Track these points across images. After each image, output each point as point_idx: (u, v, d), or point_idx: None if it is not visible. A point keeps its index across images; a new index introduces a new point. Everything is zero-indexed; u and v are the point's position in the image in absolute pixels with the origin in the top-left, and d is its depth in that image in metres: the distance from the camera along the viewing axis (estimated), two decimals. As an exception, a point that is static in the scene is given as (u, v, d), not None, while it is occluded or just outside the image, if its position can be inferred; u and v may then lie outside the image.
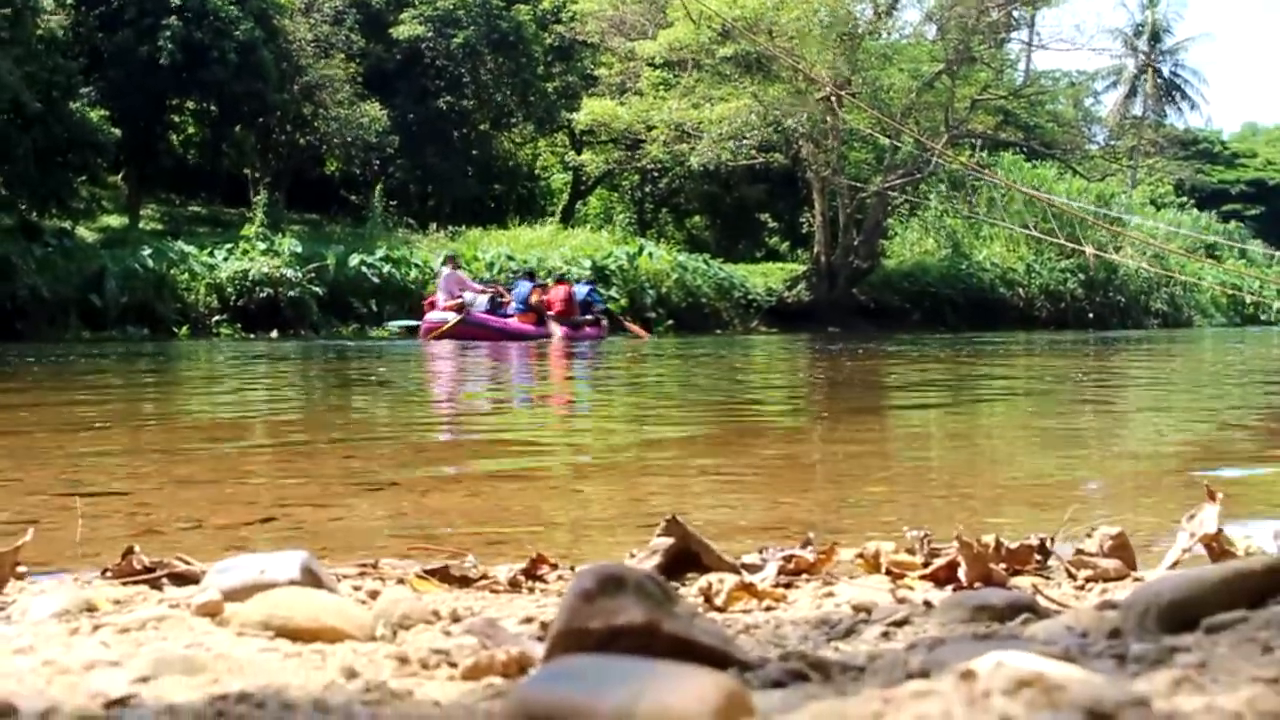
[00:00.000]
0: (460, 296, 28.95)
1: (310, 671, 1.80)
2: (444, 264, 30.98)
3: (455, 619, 2.20)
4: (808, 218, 49.86)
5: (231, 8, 39.66)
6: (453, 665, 1.80)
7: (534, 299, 29.81)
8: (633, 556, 2.87)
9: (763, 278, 44.06)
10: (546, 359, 20.34)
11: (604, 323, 31.85)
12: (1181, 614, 1.62)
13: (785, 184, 50.52)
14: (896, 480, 5.66)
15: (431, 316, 28.72)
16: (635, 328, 33.07)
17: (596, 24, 47.21)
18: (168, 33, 38.41)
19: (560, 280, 32.24)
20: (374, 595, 2.57)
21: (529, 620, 2.28)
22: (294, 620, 2.06)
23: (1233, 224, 73.99)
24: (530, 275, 31.76)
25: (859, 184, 45.45)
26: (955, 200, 50.78)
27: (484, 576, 2.87)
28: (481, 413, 10.30)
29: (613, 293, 37.41)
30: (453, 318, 28.12)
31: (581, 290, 31.92)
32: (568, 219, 51.94)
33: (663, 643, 1.43)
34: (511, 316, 29.44)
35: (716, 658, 1.46)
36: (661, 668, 1.09)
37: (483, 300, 29.33)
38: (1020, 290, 49.24)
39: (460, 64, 48.66)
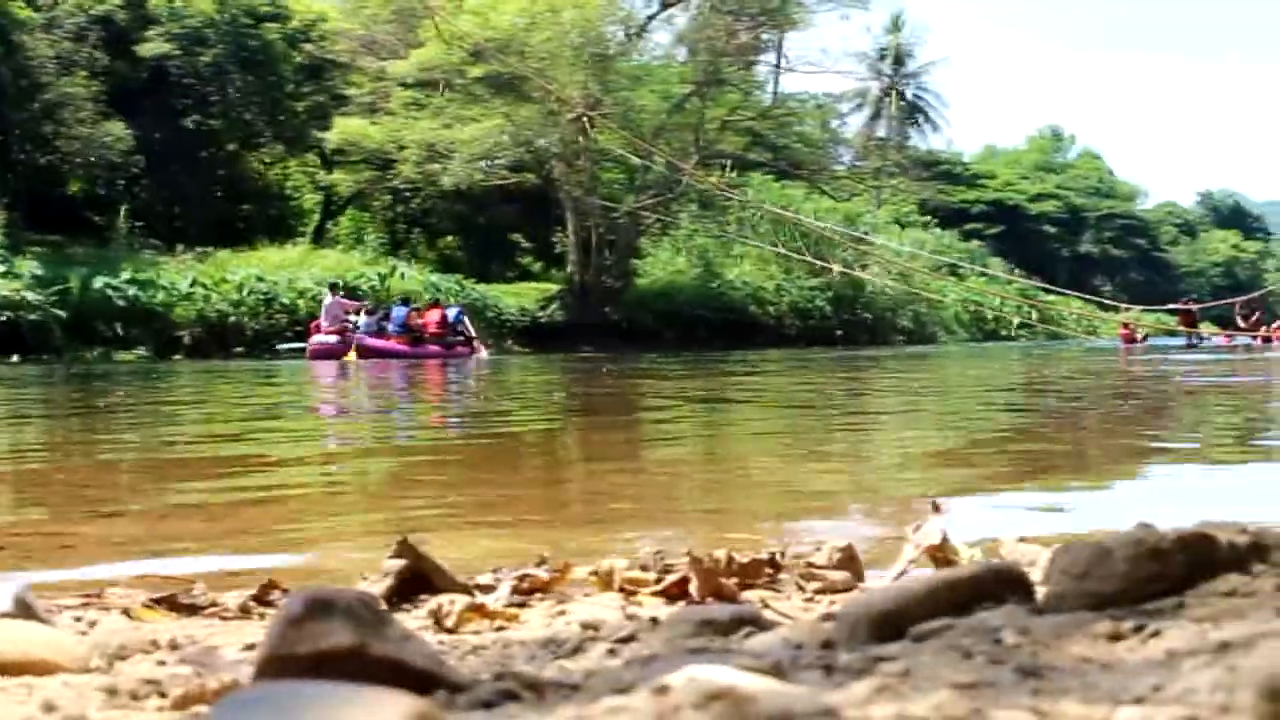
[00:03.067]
0: (344, 321, 31.68)
1: (13, 706, 1.73)
2: (328, 291, 33.11)
3: (174, 648, 2.15)
4: (560, 238, 50.05)
5: (-35, 23, 38.45)
6: (163, 695, 1.75)
7: (412, 321, 32.98)
8: (365, 579, 2.84)
9: (516, 298, 44.09)
10: (353, 375, 20.08)
11: (476, 342, 34.50)
12: (891, 623, 1.64)
13: (538, 204, 50.59)
14: (641, 497, 5.69)
15: (316, 339, 31.26)
16: (482, 349, 34.93)
17: (347, 43, 46.85)
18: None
19: (434, 304, 35.43)
20: (95, 625, 2.50)
21: (251, 647, 2.23)
22: (1, 654, 1.98)
23: (974, 243, 76.35)
24: (405, 301, 34.89)
25: (611, 204, 45.76)
26: (706, 220, 51.37)
27: (213, 604, 2.81)
28: (232, 436, 10.09)
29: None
30: (334, 340, 30.93)
31: (452, 313, 34.77)
32: (319, 240, 51.25)
33: (372, 666, 1.41)
34: (390, 338, 32.26)
35: (427, 679, 1.44)
36: (354, 692, 1.07)
37: (368, 321, 32.29)
38: (770, 308, 49.90)
39: (208, 82, 47.75)
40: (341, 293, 33.53)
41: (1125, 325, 45.76)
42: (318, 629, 1.42)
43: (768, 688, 1.11)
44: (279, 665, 1.43)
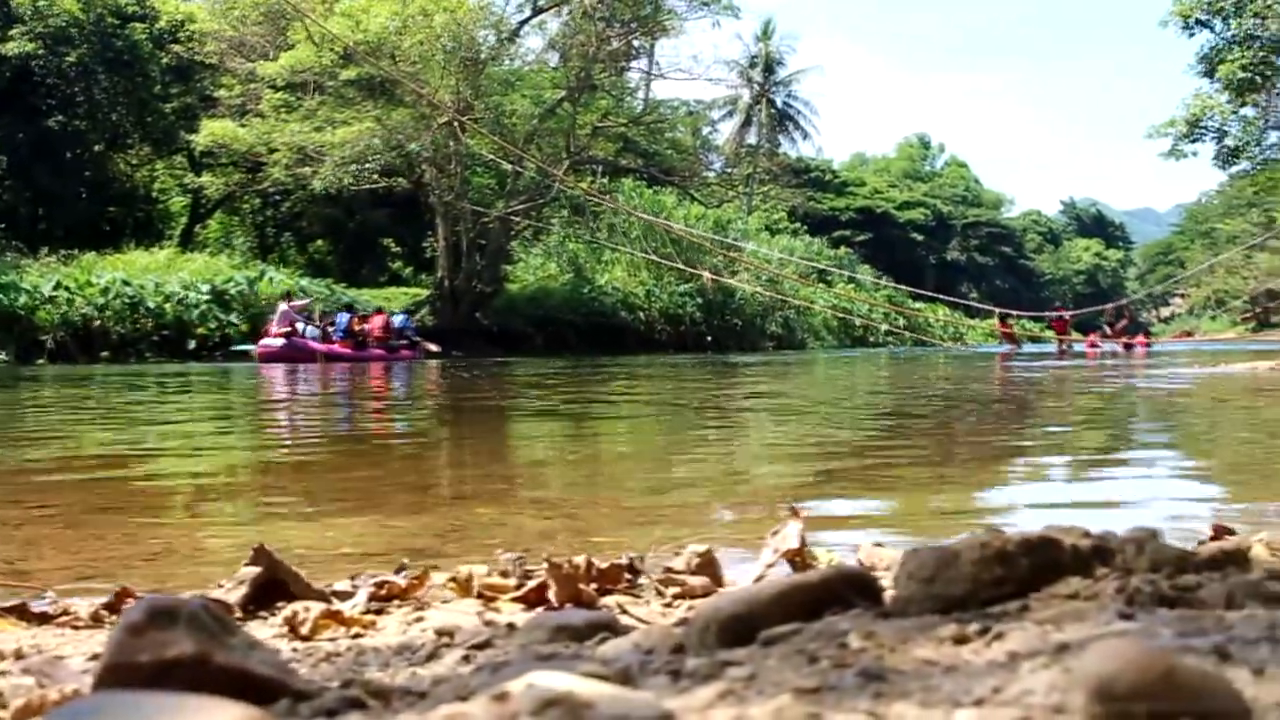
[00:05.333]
0: (289, 326, 33.32)
1: None
2: (281, 299, 35.17)
3: (19, 657, 2.12)
4: (431, 242, 49.82)
5: None
6: (3, 707, 1.72)
7: (355, 327, 35.37)
8: (220, 586, 2.81)
9: (386, 302, 43.79)
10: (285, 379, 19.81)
11: (420, 345, 36.62)
12: (741, 628, 1.65)
13: (409, 208, 50.39)
14: (505, 501, 5.68)
15: (264, 342, 32.99)
16: (430, 347, 37.17)
17: (216, 44, 46.25)
18: None
19: (378, 311, 38.00)
20: (-60, 636, 2.45)
21: (97, 657, 2.20)
22: None
23: (842, 250, 77.04)
24: (349, 307, 37.38)
25: (482, 209, 45.66)
26: (577, 225, 51.44)
27: (65, 612, 2.77)
28: (102, 443, 9.92)
29: (233, 317, 36.88)
30: (281, 343, 32.63)
31: (398, 319, 37.38)
32: (186, 243, 50.61)
33: (215, 675, 1.39)
34: (335, 343, 34.37)
35: (271, 688, 1.43)
36: (188, 702, 1.06)
37: (312, 329, 34.20)
38: (641, 314, 49.96)
39: (73, 83, 47.02)
40: (296, 301, 35.55)
41: (1004, 322, 46.88)
42: (160, 638, 1.40)
43: (606, 693, 1.11)
44: (120, 675, 1.40)
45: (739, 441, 9.54)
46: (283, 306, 34.31)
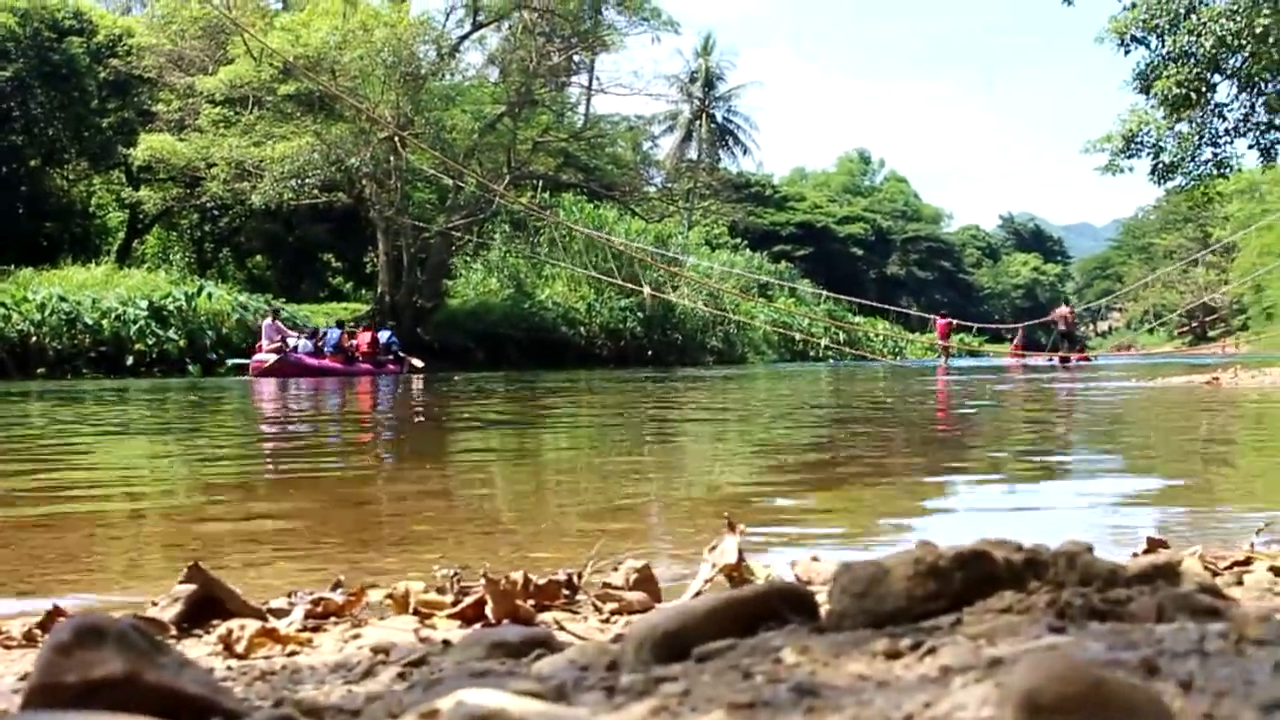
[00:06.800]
0: (279, 342, 34.55)
1: None
2: (266, 316, 36.47)
3: (-52, 679, 2.10)
4: (372, 257, 49.73)
5: None
6: (-68, 729, 1.70)
7: (345, 343, 36.85)
8: (155, 605, 2.79)
9: (326, 318, 43.61)
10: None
11: (405, 360, 37.90)
12: (675, 643, 1.65)
13: (349, 223, 50.26)
14: (445, 518, 5.66)
15: (258, 357, 34.00)
16: (415, 362, 38.20)
17: (154, 59, 46.03)
18: None
19: (366, 328, 39.32)
20: None
21: (27, 676, 2.18)
22: None
23: (783, 264, 77.22)
24: (340, 324, 38.92)
25: (423, 224, 45.61)
26: (518, 240, 51.42)
27: (-1, 632, 2.74)
28: (45, 455, 9.82)
29: (171, 333, 36.66)
30: (273, 358, 33.65)
31: (384, 335, 38.60)
32: (124, 259, 50.27)
33: (145, 694, 1.38)
34: (325, 358, 35.78)
35: (203, 707, 1.42)
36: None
37: (305, 343, 35.72)
38: (582, 329, 49.95)
39: (8, 97, 46.69)
40: (279, 318, 36.84)
41: (944, 325, 47.72)
42: (88, 657, 1.39)
43: (537, 710, 1.11)
44: (47, 695, 1.39)
45: (679, 456, 9.55)
46: (266, 323, 35.54)
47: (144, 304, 36.89)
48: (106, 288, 38.63)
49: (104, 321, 35.58)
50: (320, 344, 36.45)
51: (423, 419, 15.41)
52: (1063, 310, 44.98)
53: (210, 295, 39.84)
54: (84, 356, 34.65)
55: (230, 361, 36.59)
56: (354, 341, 37.68)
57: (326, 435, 12.59)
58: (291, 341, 35.36)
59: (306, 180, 42.95)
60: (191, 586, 2.76)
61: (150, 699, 1.38)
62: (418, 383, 29.60)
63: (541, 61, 47.27)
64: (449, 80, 48.37)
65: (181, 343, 36.73)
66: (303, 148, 42.04)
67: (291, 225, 51.28)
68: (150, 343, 36.02)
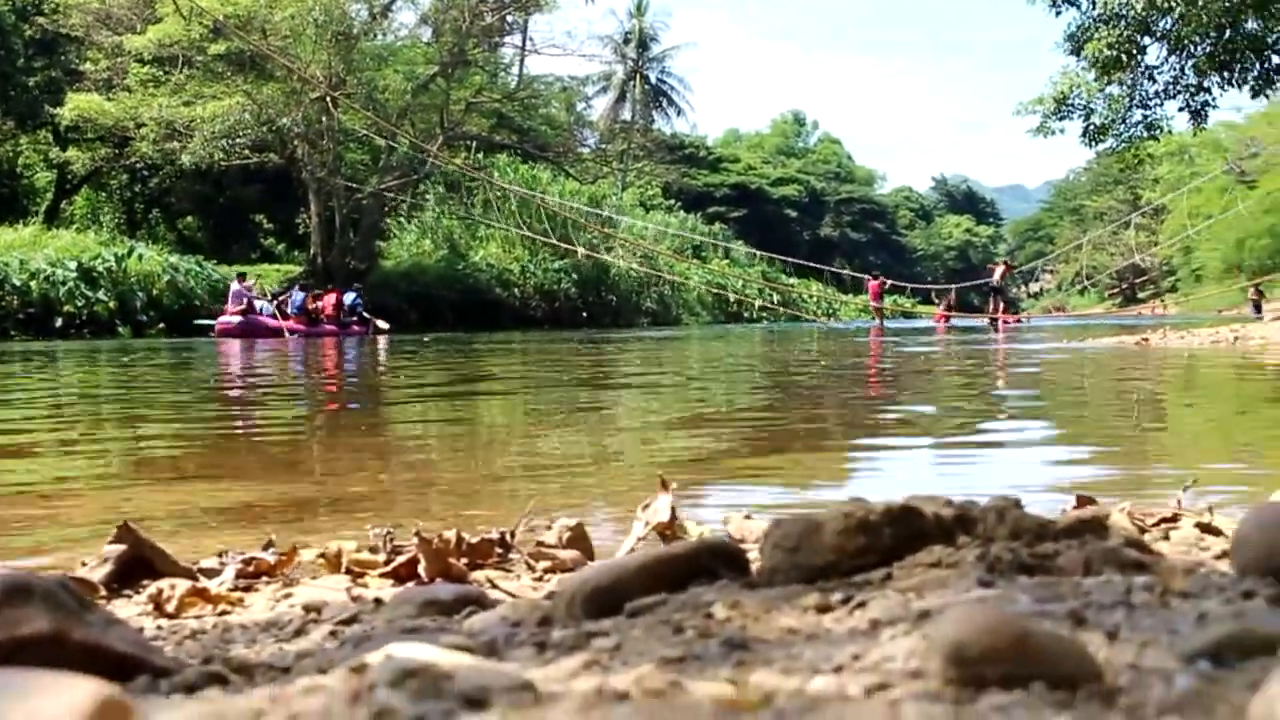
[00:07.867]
0: (245, 304, 35.89)
1: None
2: (235, 280, 37.44)
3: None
4: (304, 218, 49.51)
5: None
6: None
7: (309, 305, 38.16)
8: (85, 565, 2.77)
9: (258, 279, 43.36)
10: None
11: (371, 321, 38.89)
12: (607, 599, 1.65)
13: (281, 184, 49.96)
14: (377, 476, 5.65)
15: (223, 319, 35.57)
16: (380, 324, 38.98)
17: (81, 17, 45.53)
18: None
19: (330, 289, 40.26)
20: None
21: (-46, 636, 2.16)
22: None
23: (717, 226, 77.34)
24: (303, 287, 39.67)
25: (355, 185, 45.41)
26: (452, 201, 51.22)
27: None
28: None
29: (101, 294, 36.33)
30: (238, 320, 35.16)
31: (349, 297, 39.69)
32: (52, 219, 49.77)
33: (72, 652, 1.37)
34: (290, 319, 36.91)
35: (132, 665, 1.41)
36: (39, 678, 1.04)
37: (268, 305, 37.36)
38: (516, 290, 49.88)
39: (-68, 56, 46.12)
40: (247, 281, 37.94)
41: (875, 275, 48.22)
42: (15, 615, 1.38)
43: (466, 664, 1.11)
44: (-27, 654, 1.38)
45: (613, 416, 9.56)
46: (235, 286, 36.73)
47: (73, 265, 36.53)
48: (34, 249, 38.22)
49: (32, 283, 35.22)
50: (283, 306, 37.42)
51: (364, 381, 15.37)
52: (1001, 266, 45.41)
53: (141, 256, 39.49)
54: (12, 319, 34.31)
55: (196, 322, 37.12)
56: (319, 304, 38.88)
57: (268, 398, 12.53)
58: (258, 305, 36.76)
59: (237, 140, 42.69)
60: (121, 547, 2.74)
61: (78, 656, 1.37)
62: (383, 343, 29.83)
63: (475, 21, 47.05)
64: (381, 40, 48.16)
65: (111, 304, 36.43)
66: (233, 107, 41.76)
67: (222, 186, 50.91)
68: (79, 304, 35.70)
